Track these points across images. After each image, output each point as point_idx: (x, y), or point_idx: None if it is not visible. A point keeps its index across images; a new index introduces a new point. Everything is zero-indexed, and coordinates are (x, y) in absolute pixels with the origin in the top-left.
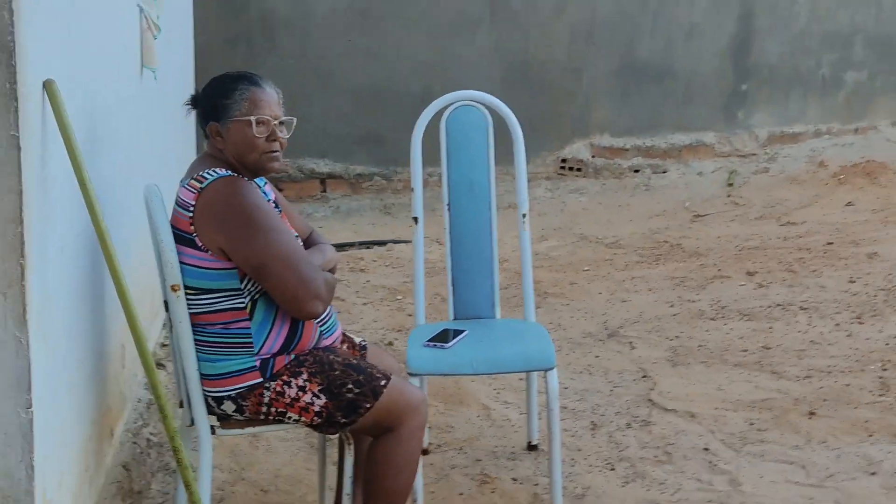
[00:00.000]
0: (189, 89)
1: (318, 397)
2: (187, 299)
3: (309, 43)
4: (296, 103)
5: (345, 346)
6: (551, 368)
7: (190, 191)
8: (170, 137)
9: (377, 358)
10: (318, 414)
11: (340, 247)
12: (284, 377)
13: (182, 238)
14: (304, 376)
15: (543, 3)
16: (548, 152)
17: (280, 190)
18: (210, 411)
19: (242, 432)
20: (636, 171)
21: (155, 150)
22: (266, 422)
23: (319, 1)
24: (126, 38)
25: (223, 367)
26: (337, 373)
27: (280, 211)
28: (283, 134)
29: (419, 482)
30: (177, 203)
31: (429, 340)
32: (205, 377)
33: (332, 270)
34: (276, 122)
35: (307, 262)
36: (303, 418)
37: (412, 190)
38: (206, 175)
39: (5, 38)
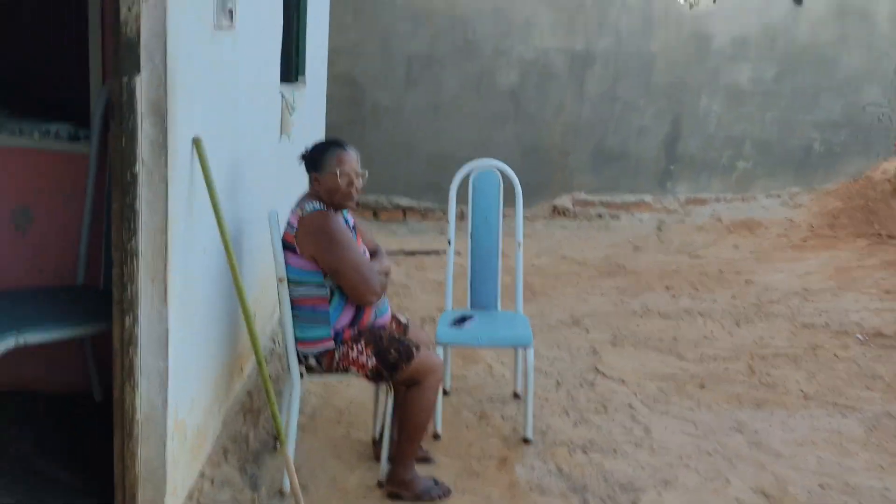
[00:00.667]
0: None
1: (371, 358)
2: (289, 288)
3: (401, 125)
4: (390, 163)
5: (393, 325)
6: (529, 346)
7: (296, 216)
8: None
9: (415, 332)
10: (371, 370)
11: (411, 253)
12: (350, 343)
13: (288, 247)
14: (362, 344)
15: (548, 109)
16: (545, 201)
17: (370, 217)
18: (301, 363)
19: (321, 378)
20: (600, 216)
21: (287, 189)
22: (336, 372)
23: (409, 99)
24: (270, 114)
25: (309, 334)
26: (384, 343)
27: (356, 233)
28: (359, 182)
29: (439, 414)
30: (287, 223)
31: (451, 322)
32: (298, 340)
33: (386, 273)
34: (353, 174)
35: (369, 267)
36: (360, 372)
37: (448, 221)
38: (307, 206)
39: (162, 105)
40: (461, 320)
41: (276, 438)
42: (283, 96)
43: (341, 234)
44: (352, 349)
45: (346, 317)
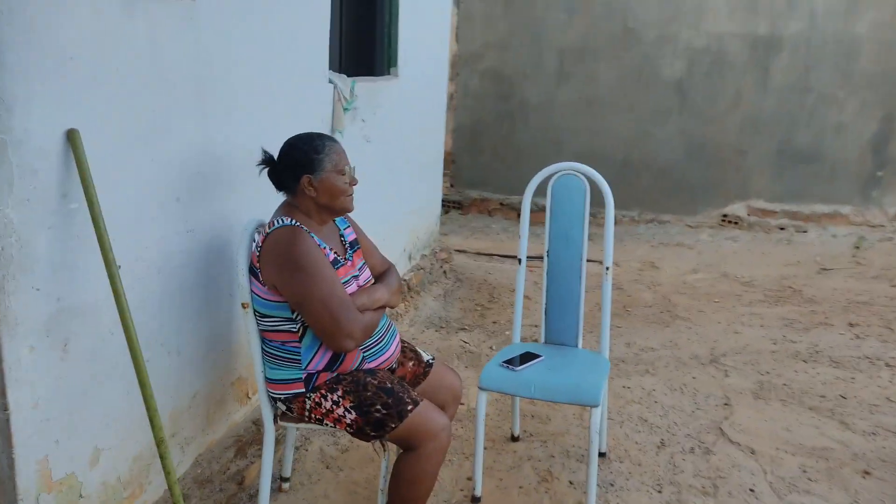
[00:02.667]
0: (427, 152)
1: (350, 412)
2: (256, 318)
3: (550, 121)
4: (538, 161)
5: (410, 364)
6: (595, 406)
7: (261, 233)
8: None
9: (440, 374)
10: (349, 425)
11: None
12: (323, 391)
13: (252, 270)
14: (339, 393)
15: (721, 100)
16: (713, 208)
17: (513, 217)
18: (274, 405)
19: (296, 426)
20: (781, 228)
21: None
22: (312, 423)
23: (559, 93)
24: (320, 107)
25: (278, 375)
26: (369, 393)
27: (352, 250)
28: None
29: (478, 469)
30: (255, 242)
31: (505, 361)
32: (267, 380)
33: (377, 308)
34: (350, 170)
35: (344, 304)
36: (338, 427)
37: (520, 237)
38: (275, 221)
39: None
40: (523, 359)
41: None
42: (335, 86)
43: (308, 258)
44: (325, 398)
45: (321, 357)
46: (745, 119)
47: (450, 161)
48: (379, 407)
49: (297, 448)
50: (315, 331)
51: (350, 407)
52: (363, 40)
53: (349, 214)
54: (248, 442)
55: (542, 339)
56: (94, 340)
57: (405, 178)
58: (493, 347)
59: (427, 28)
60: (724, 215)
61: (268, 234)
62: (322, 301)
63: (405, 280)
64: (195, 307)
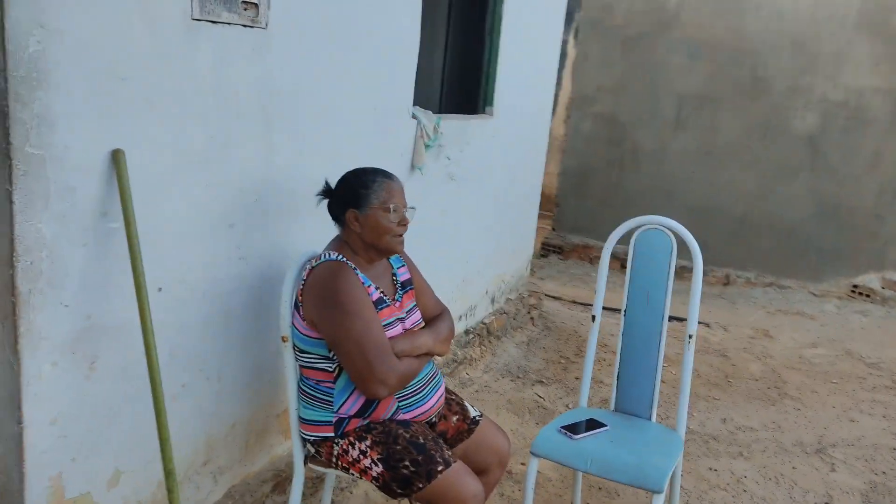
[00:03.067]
0: (521, 193)
1: (377, 465)
2: (295, 353)
3: (662, 170)
4: (645, 211)
5: (455, 418)
6: (657, 492)
7: (308, 267)
8: (433, 217)
9: (486, 433)
10: (375, 479)
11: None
12: (351, 438)
13: (296, 303)
14: (368, 442)
15: (858, 159)
16: (842, 277)
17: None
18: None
19: (325, 471)
20: None
21: (420, 229)
22: (339, 470)
23: (675, 142)
24: (400, 143)
25: (309, 414)
26: (399, 447)
27: (402, 291)
28: (409, 218)
29: None
30: (302, 276)
31: (564, 426)
32: (300, 419)
33: (420, 355)
34: (404, 209)
35: (380, 348)
36: (363, 478)
37: (595, 292)
38: (323, 255)
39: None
40: (585, 427)
41: None
42: (418, 122)
43: (348, 296)
44: (353, 446)
45: (354, 402)
46: (884, 182)
47: (554, 204)
48: (408, 463)
49: (341, 489)
50: (348, 373)
51: (378, 459)
52: (466, 80)
53: (406, 253)
54: (287, 478)
55: (612, 407)
56: (125, 360)
57: (491, 219)
58: (570, 406)
59: (531, 68)
60: (855, 286)
61: (313, 267)
62: (357, 342)
63: (485, 324)
64: (241, 335)
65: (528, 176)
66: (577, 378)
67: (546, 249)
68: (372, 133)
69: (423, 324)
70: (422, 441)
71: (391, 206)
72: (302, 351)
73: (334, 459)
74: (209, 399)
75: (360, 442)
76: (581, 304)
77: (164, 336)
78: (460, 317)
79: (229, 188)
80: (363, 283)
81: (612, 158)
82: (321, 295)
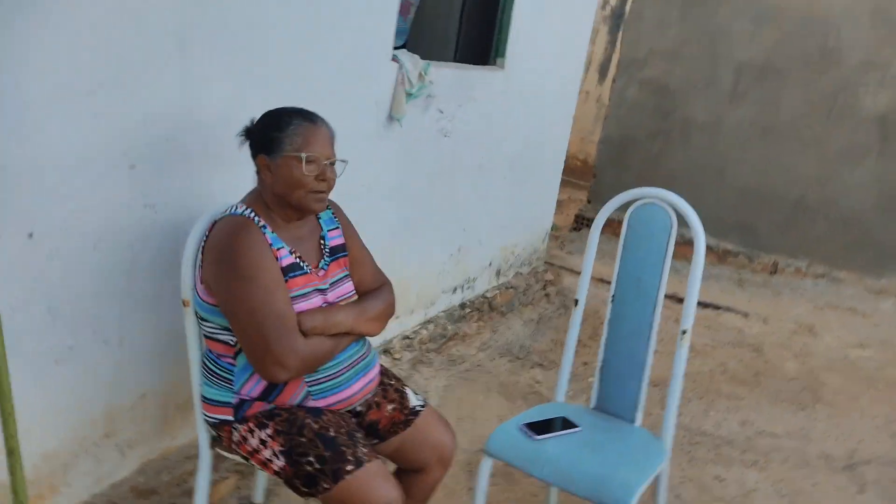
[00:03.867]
0: (538, 159)
1: (278, 457)
2: (198, 321)
3: (714, 146)
4: (693, 189)
5: (390, 407)
6: None
7: (212, 221)
8: (403, 177)
9: (427, 426)
10: (277, 473)
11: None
12: (251, 424)
13: (198, 264)
14: (269, 431)
15: None
16: None
17: None
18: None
19: (230, 457)
20: None
21: (393, 187)
22: (239, 457)
23: (731, 116)
24: (375, 89)
25: (209, 393)
26: (304, 439)
27: (331, 258)
28: (333, 175)
29: None
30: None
31: (528, 424)
32: (203, 398)
33: (327, 332)
34: (326, 161)
35: (282, 323)
36: (265, 471)
37: (580, 273)
38: (229, 209)
39: None
40: (552, 426)
41: None
42: (400, 66)
43: (247, 258)
44: (252, 434)
45: (257, 383)
46: None
47: (591, 174)
48: (312, 459)
49: None
50: (243, 349)
51: (279, 451)
52: (485, 29)
53: (343, 212)
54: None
55: (592, 404)
56: None
57: (499, 184)
58: (572, 395)
59: (559, 20)
60: None
61: (215, 221)
62: (252, 313)
63: (486, 297)
64: (147, 296)
65: (548, 140)
66: (585, 363)
67: (579, 223)
68: (340, 74)
69: (354, 297)
70: (332, 434)
71: (305, 155)
72: (203, 319)
73: (234, 446)
74: (107, 365)
75: (260, 429)
76: (607, 282)
77: (38, 289)
78: (455, 288)
79: (129, 122)
80: (270, 245)
81: (658, 129)
82: (217, 256)
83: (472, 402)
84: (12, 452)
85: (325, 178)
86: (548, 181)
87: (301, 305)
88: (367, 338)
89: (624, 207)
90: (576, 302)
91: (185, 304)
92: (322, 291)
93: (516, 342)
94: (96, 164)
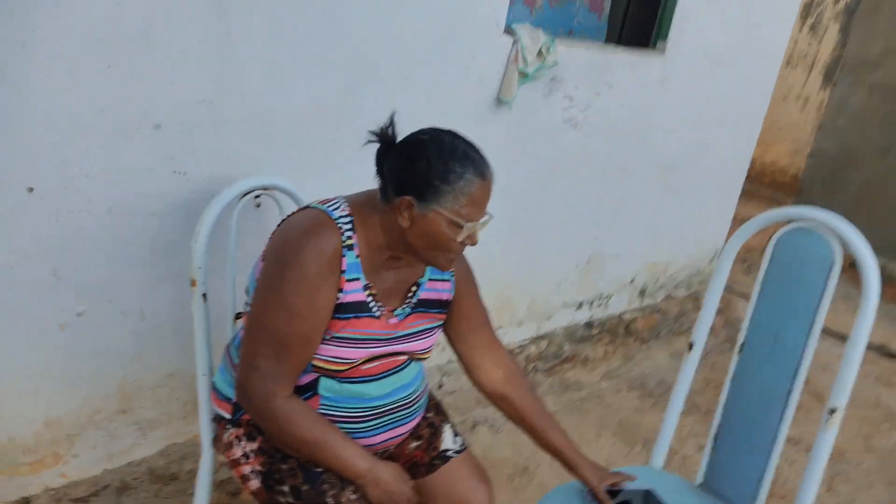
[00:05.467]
0: (707, 166)
1: (255, 478)
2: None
3: None
4: None
5: (414, 444)
6: None
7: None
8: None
9: (455, 477)
10: (253, 493)
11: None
12: (242, 431)
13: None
14: (255, 445)
15: None
16: None
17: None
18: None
19: (221, 459)
20: None
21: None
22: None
23: None
24: (483, 66)
25: (219, 382)
26: (285, 466)
27: (370, 304)
28: (478, 236)
29: None
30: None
31: (590, 492)
32: (213, 386)
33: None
34: (479, 226)
35: (279, 358)
36: (244, 487)
37: (701, 310)
38: (329, 202)
39: None
40: (630, 500)
41: None
42: (516, 40)
43: (299, 269)
44: (238, 443)
45: None
46: None
47: (796, 190)
48: (287, 490)
49: None
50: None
51: (257, 471)
52: (650, 8)
53: (466, 260)
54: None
55: (698, 480)
56: None
57: (643, 190)
58: (676, 464)
59: (749, 2)
60: None
61: (301, 209)
62: (258, 326)
63: (622, 319)
64: (174, 270)
65: (723, 146)
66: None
67: None
68: (434, 41)
69: (426, 355)
70: (318, 470)
71: (468, 225)
72: (248, 303)
73: (222, 448)
74: (124, 339)
75: (248, 441)
76: None
77: (39, 248)
78: (580, 304)
79: (151, 77)
80: (342, 272)
81: (890, 144)
82: (275, 245)
83: (579, 438)
84: None
85: (474, 243)
86: (720, 193)
87: (347, 352)
88: (422, 373)
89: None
90: (690, 346)
91: (192, 283)
92: (383, 342)
93: (654, 375)
94: (108, 119)
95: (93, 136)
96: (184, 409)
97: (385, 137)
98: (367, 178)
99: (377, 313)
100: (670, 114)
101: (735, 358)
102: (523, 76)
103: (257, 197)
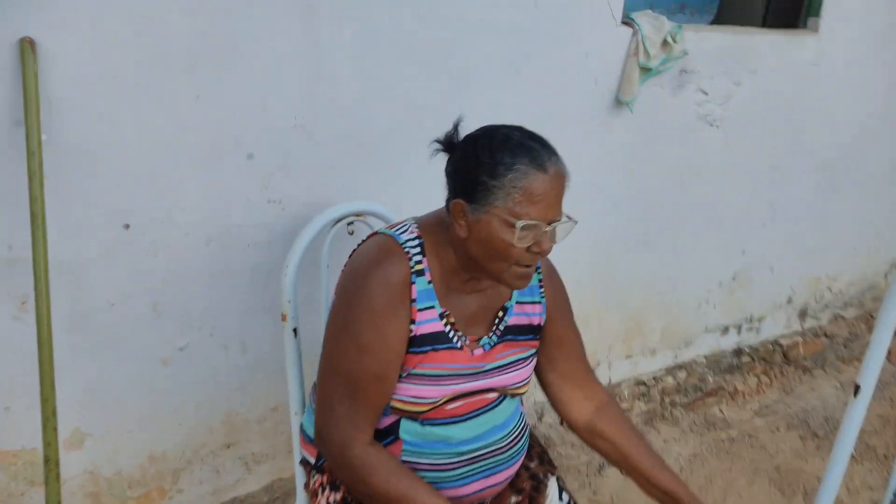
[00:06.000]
0: (874, 164)
1: None
2: None
3: None
4: None
5: (514, 500)
6: None
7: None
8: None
9: None
10: None
11: None
12: (326, 479)
13: None
14: (338, 496)
15: None
16: None
17: None
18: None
19: None
20: None
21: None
22: None
23: None
24: (597, 61)
25: (306, 423)
26: None
27: (449, 334)
28: (552, 242)
29: None
30: None
31: None
32: (302, 430)
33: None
34: (547, 226)
35: (353, 403)
36: None
37: (869, 351)
38: (396, 225)
39: None
40: None
41: None
42: (636, 30)
43: (367, 303)
44: (322, 491)
45: None
46: None
47: None
48: None
49: None
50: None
51: None
52: None
53: (557, 275)
54: None
55: None
56: (73, 304)
57: (800, 193)
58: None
59: None
60: None
61: (370, 235)
62: (333, 366)
63: (779, 345)
64: (275, 301)
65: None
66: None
67: None
68: (544, 36)
69: (523, 389)
70: None
71: (521, 223)
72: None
73: (311, 494)
74: (227, 370)
75: (331, 490)
76: None
77: (138, 285)
78: (726, 328)
79: (242, 103)
80: (412, 301)
81: None
82: (344, 277)
83: (727, 485)
84: (48, 461)
85: (542, 250)
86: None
87: (427, 390)
88: (520, 412)
89: None
90: (856, 389)
91: (282, 318)
92: (468, 376)
93: (819, 411)
94: (197, 150)
95: (186, 166)
96: (289, 443)
97: (450, 144)
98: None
99: (458, 344)
100: (830, 102)
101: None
102: (646, 71)
103: (350, 224)
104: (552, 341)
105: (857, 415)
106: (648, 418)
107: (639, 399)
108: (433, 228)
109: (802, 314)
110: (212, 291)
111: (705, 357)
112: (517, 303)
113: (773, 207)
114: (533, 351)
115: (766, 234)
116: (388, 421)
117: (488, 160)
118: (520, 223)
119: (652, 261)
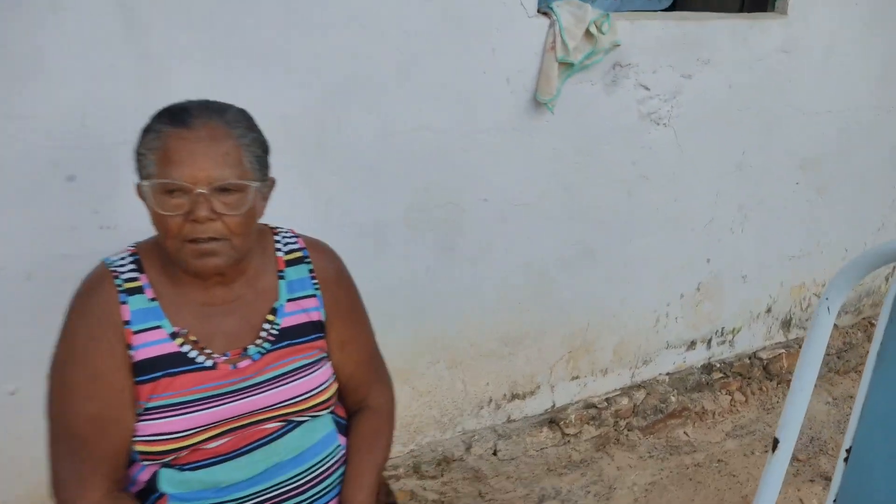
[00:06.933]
0: (858, 164)
1: None
2: None
3: None
4: None
5: None
6: None
7: None
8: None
9: None
10: None
11: None
12: None
13: None
14: None
15: None
16: None
17: None
18: None
19: None
20: None
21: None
22: None
23: None
24: (510, 57)
25: None
26: None
27: (178, 358)
28: (222, 210)
29: None
30: None
31: None
32: None
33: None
34: (202, 189)
35: (76, 457)
36: None
37: (789, 401)
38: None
39: None
40: None
41: None
42: (553, 20)
43: (71, 339)
44: None
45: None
46: None
47: None
48: None
49: None
50: None
51: None
52: None
53: (340, 263)
54: None
55: None
56: None
57: (777, 193)
58: None
59: None
60: None
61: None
62: (50, 419)
63: (758, 358)
64: None
65: (890, 129)
66: None
67: None
68: (435, 37)
69: (307, 401)
70: None
71: (153, 182)
72: None
73: None
74: None
75: None
76: None
77: None
78: (693, 342)
79: (54, 121)
80: (126, 324)
81: None
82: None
83: None
84: None
85: (197, 218)
86: (893, 190)
87: (170, 423)
88: (331, 440)
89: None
90: (774, 443)
91: None
92: (225, 396)
93: (805, 431)
94: (17, 176)
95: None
96: None
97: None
98: (354, 206)
99: (209, 363)
100: (807, 94)
101: (839, 467)
102: (568, 66)
103: None
104: (336, 343)
105: (774, 472)
106: (600, 443)
107: (589, 423)
108: (154, 242)
109: (786, 324)
110: (40, 330)
111: (668, 375)
112: (289, 300)
113: (743, 211)
114: (322, 355)
115: (736, 240)
116: (145, 475)
117: (143, 130)
118: (150, 183)
119: (597, 276)
